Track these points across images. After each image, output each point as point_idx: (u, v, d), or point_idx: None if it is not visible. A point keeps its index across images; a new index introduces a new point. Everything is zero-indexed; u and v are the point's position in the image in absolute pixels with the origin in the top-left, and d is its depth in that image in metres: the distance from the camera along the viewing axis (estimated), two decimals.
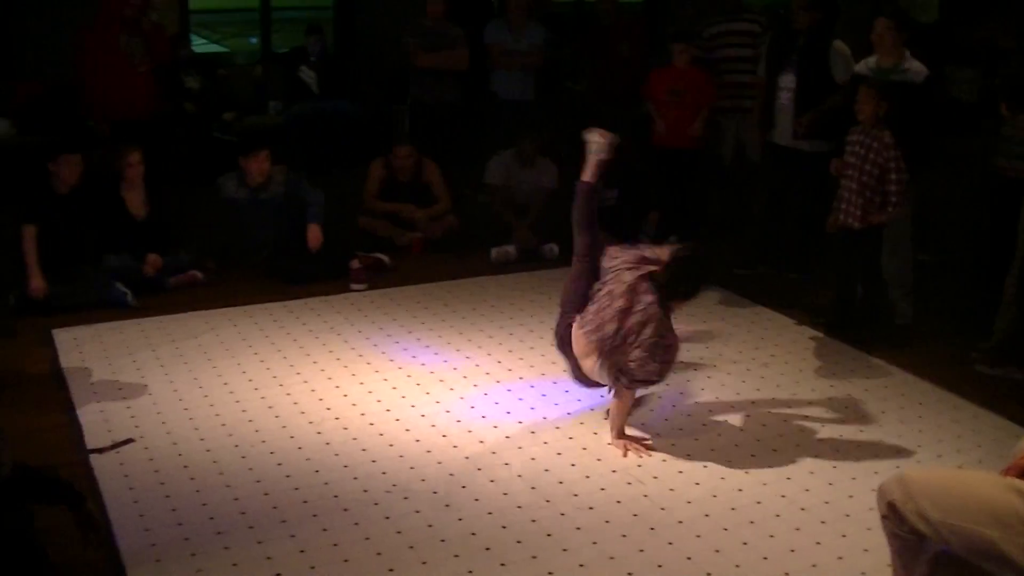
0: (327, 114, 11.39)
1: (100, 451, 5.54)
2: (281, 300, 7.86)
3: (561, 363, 6.05)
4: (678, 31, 9.76)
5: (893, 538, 3.29)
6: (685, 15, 10.39)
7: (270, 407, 6.11)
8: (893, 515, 3.24)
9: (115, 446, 5.60)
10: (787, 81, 8.28)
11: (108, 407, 6.09)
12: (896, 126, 6.95)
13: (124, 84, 9.05)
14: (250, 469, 5.38)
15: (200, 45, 14.22)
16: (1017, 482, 3.04)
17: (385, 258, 8.67)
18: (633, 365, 5.49)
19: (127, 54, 9.06)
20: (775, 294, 8.10)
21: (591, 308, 5.72)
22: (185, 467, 5.40)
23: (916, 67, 7.34)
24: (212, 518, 4.92)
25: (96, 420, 5.92)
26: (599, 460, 5.53)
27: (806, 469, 5.49)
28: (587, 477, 5.35)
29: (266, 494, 5.15)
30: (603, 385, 5.83)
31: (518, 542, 4.76)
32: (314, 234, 8.40)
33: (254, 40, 14.11)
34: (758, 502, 5.15)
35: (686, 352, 6.72)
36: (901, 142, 6.92)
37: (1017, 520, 2.95)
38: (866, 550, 4.68)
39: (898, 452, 5.71)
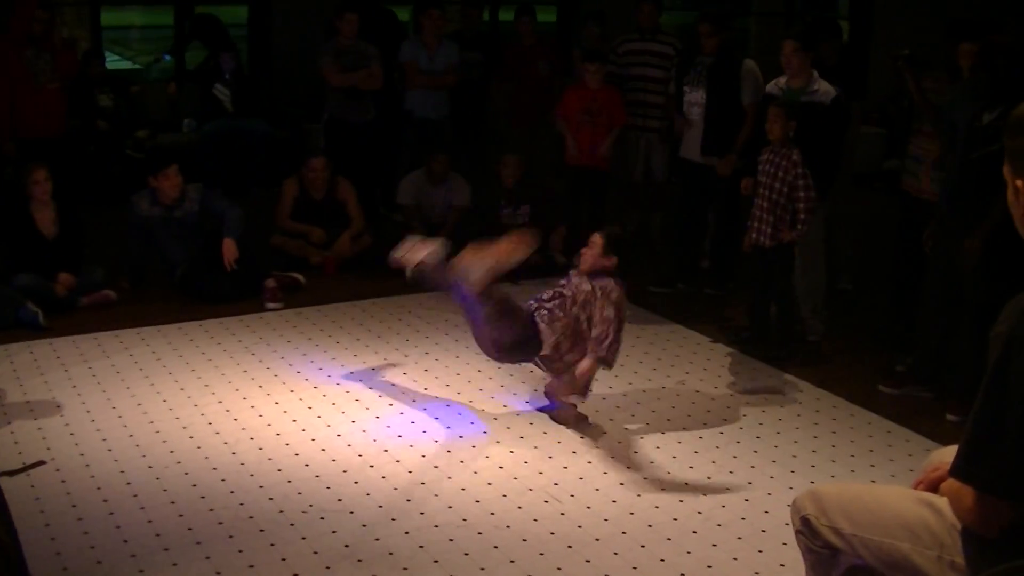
0: (241, 132, 11.32)
1: (11, 474, 5.45)
2: (196, 319, 7.80)
3: (477, 383, 6.05)
4: (592, 51, 9.83)
5: (807, 552, 3.32)
6: (592, 35, 10.46)
7: (184, 427, 6.06)
8: (807, 529, 3.28)
9: (26, 468, 5.52)
10: (696, 97, 8.41)
11: (19, 428, 6.00)
12: (806, 146, 7.07)
13: (32, 101, 8.95)
14: (164, 490, 5.33)
15: (113, 62, 14.05)
16: (928, 495, 3.09)
17: (300, 277, 8.64)
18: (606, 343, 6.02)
19: (33, 71, 8.96)
20: (690, 312, 8.17)
21: (549, 305, 6.16)
22: (98, 488, 5.33)
23: (824, 88, 7.46)
24: (126, 540, 4.87)
25: (7, 442, 5.83)
26: (515, 479, 5.54)
27: (722, 485, 5.54)
28: (504, 496, 5.36)
29: (181, 515, 5.10)
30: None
31: (435, 561, 4.76)
32: (229, 248, 8.33)
33: (167, 57, 13.98)
34: (674, 519, 5.18)
35: (600, 372, 6.76)
36: (810, 162, 7.03)
37: (928, 532, 3.00)
38: (782, 565, 4.74)
39: (812, 468, 5.79)
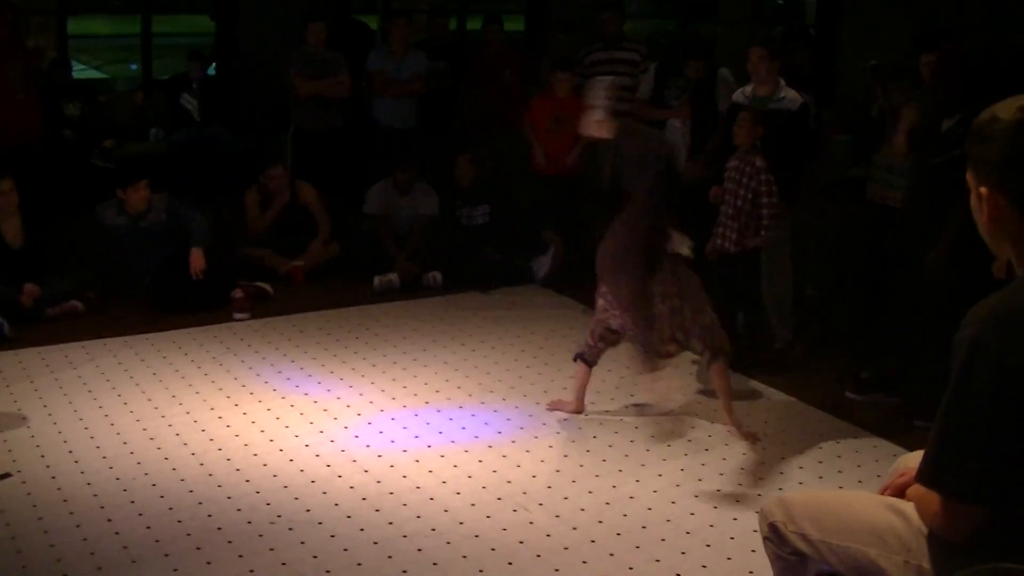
0: (209, 142, 11.28)
1: None
2: (163, 330, 7.77)
3: (445, 392, 6.04)
4: (560, 59, 9.85)
5: (775, 559, 3.33)
6: (559, 44, 10.51)
7: (152, 439, 6.03)
8: (775, 536, 3.29)
9: None
10: (673, 121, 8.44)
11: None
12: (773, 154, 7.10)
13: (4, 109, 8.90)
14: (132, 502, 5.30)
15: (79, 71, 13.98)
16: (894, 501, 3.10)
17: (268, 287, 8.62)
18: None
19: (3, 79, 8.92)
20: None
21: None
22: (64, 501, 5.29)
23: (791, 95, 7.49)
24: (92, 553, 4.83)
25: None
26: (484, 488, 5.53)
27: (690, 493, 5.55)
28: (472, 505, 5.35)
29: (148, 527, 5.07)
30: None
31: (404, 572, 4.74)
32: (196, 258, 8.30)
33: (134, 66, 13.93)
34: (643, 527, 5.18)
35: (568, 377, 6.78)
36: (777, 170, 7.06)
37: (895, 537, 3.01)
38: (751, 572, 4.74)
39: (780, 474, 5.80)
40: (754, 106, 7.43)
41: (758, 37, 9.03)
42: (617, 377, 7.03)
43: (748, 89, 7.67)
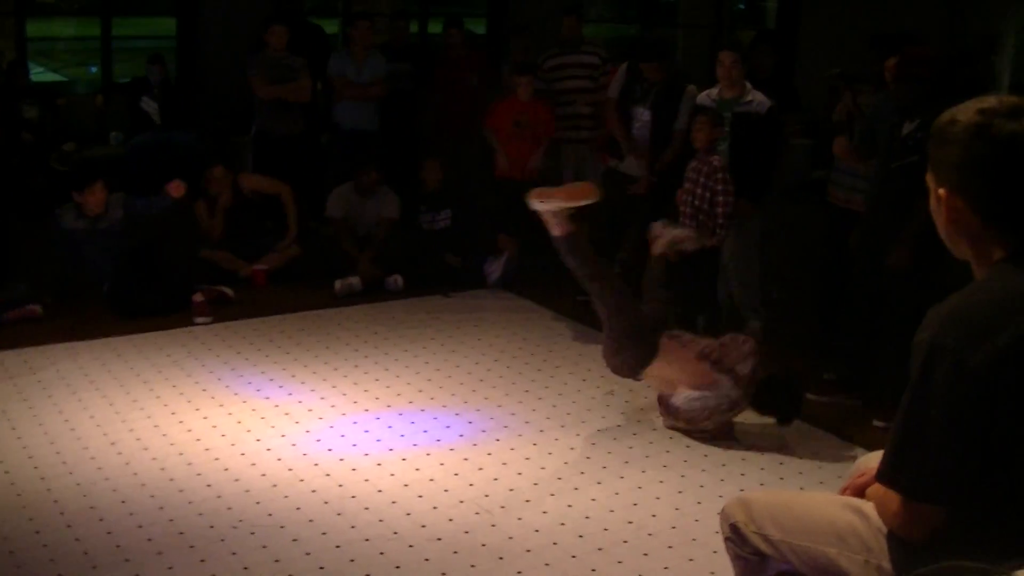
0: (169, 145, 11.22)
1: None
2: (123, 334, 7.72)
3: (407, 396, 6.04)
4: (522, 63, 9.87)
5: (737, 559, 3.34)
6: (519, 48, 10.53)
7: (113, 443, 5.99)
8: (736, 537, 3.30)
9: None
10: (641, 115, 8.44)
11: None
12: (742, 156, 7.19)
13: None
14: (92, 507, 5.27)
15: (38, 74, 13.90)
16: (854, 500, 3.12)
17: (228, 291, 8.58)
18: None
19: None
20: None
21: None
22: (23, 508, 5.25)
23: (759, 98, 7.59)
24: (52, 560, 4.80)
25: None
26: (446, 491, 5.53)
27: (652, 495, 5.56)
28: (434, 508, 5.35)
29: (109, 532, 5.04)
30: None
31: (366, 575, 4.74)
32: (176, 185, 8.43)
33: (94, 69, 13.86)
34: (605, 529, 5.20)
35: (530, 381, 6.80)
36: (746, 171, 7.15)
37: (855, 537, 3.03)
38: (712, 573, 4.76)
39: (742, 476, 5.82)
40: (720, 109, 7.51)
41: (728, 40, 9.07)
42: (579, 381, 7.05)
43: (714, 92, 7.74)
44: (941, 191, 2.69)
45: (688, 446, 6.16)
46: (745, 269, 7.83)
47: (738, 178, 7.38)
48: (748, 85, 7.67)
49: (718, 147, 7.47)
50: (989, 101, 2.66)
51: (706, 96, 7.83)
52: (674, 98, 8.32)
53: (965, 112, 2.65)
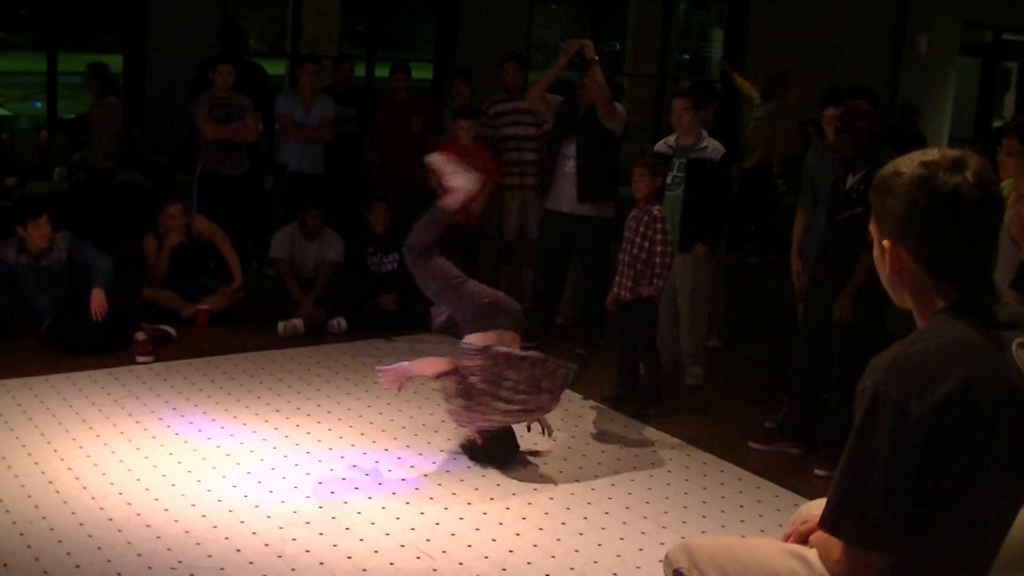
0: (113, 183, 11.19)
1: None
2: (63, 372, 7.65)
3: (349, 438, 6.02)
4: (463, 107, 9.94)
5: None
6: (461, 93, 10.63)
7: (51, 482, 5.92)
8: None
9: None
10: (570, 150, 8.51)
11: None
12: (697, 202, 7.33)
13: None
14: (28, 547, 5.20)
15: None
16: (797, 547, 3.14)
17: (171, 330, 8.53)
18: None
19: None
20: None
21: None
22: None
23: (714, 145, 7.73)
24: None
25: None
26: (387, 535, 5.51)
27: (594, 541, 5.57)
28: (376, 552, 5.33)
29: (45, 572, 4.98)
30: None
31: None
32: (97, 299, 8.18)
33: (39, 104, 13.78)
34: (547, 575, 5.20)
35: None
36: (701, 218, 7.28)
37: None
38: None
39: (683, 523, 5.85)
40: (675, 156, 7.66)
41: (682, 89, 9.18)
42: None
43: (671, 139, 7.88)
44: (885, 242, 2.73)
45: (630, 493, 6.18)
46: (696, 313, 7.91)
47: (694, 223, 7.53)
48: (704, 132, 7.82)
49: (673, 192, 7.61)
50: (931, 154, 2.71)
51: (663, 144, 7.96)
52: (601, 123, 8.40)
53: (908, 164, 2.70)
